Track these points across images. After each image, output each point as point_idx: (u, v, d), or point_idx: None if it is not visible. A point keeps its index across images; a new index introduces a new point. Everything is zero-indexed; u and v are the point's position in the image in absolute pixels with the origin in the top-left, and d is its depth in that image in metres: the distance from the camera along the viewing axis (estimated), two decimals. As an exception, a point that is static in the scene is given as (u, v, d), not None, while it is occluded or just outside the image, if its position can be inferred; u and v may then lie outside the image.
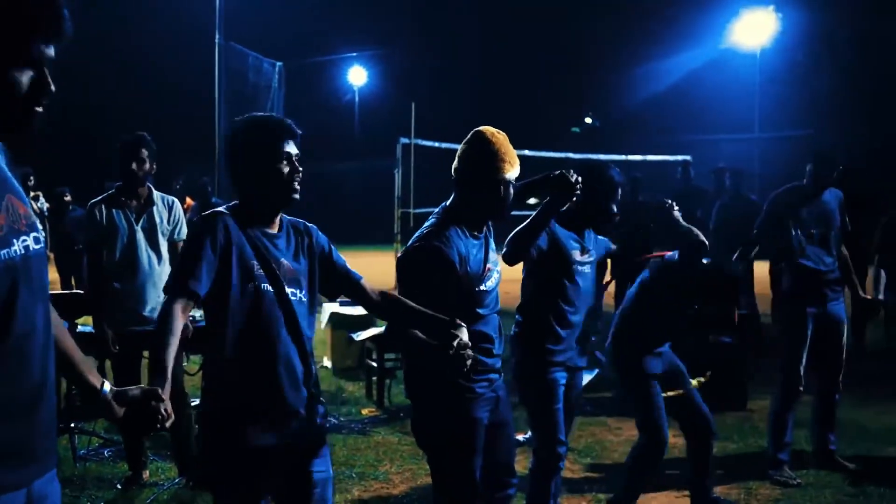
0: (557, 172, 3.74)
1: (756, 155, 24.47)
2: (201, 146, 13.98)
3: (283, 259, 2.91)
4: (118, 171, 5.26)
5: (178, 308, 2.70)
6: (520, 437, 5.89)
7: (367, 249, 23.29)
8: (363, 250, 22.02)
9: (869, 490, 5.20)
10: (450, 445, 3.45)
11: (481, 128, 3.50)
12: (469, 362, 2.95)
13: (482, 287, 3.47)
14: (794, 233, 5.43)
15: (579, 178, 3.71)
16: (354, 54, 38.08)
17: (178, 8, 21.84)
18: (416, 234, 3.52)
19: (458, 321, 3.05)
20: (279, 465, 2.91)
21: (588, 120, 35.44)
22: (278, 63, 10.92)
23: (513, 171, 3.47)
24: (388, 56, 39.72)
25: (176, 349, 2.67)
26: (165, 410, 2.43)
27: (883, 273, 6.08)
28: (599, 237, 4.43)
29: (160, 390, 2.46)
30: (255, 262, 2.83)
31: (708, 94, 31.22)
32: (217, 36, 9.60)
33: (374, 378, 7.55)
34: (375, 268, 17.07)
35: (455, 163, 3.53)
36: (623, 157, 18.49)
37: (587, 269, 4.25)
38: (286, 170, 2.89)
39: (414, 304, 3.12)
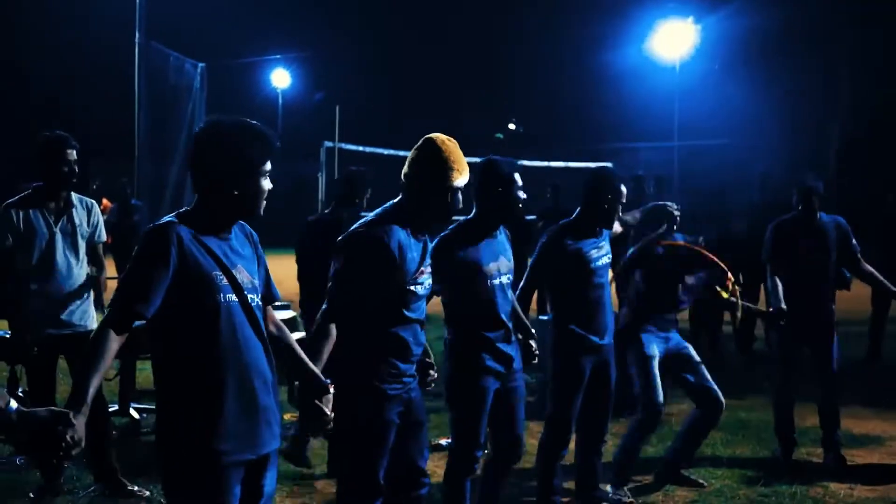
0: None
1: (675, 162, 24.94)
2: (119, 146, 13.69)
3: (240, 264, 2.79)
4: (38, 170, 4.99)
5: (114, 332, 2.55)
6: (442, 441, 5.90)
7: (290, 253, 22.91)
8: (286, 254, 21.63)
9: (781, 489, 5.38)
10: (356, 442, 3.48)
11: (432, 135, 3.54)
12: (325, 428, 3.12)
13: (413, 287, 3.49)
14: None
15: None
16: (278, 56, 37.70)
17: (98, 5, 21.38)
18: (358, 223, 3.53)
19: (326, 396, 3.06)
20: (247, 478, 2.81)
21: (511, 126, 35.69)
22: (200, 64, 10.77)
23: (461, 179, 3.51)
24: (311, 59, 39.47)
25: (103, 374, 2.53)
26: (73, 438, 2.31)
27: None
28: (507, 246, 4.32)
29: (72, 415, 2.33)
30: (218, 272, 2.69)
31: (629, 103, 31.72)
32: (137, 35, 9.42)
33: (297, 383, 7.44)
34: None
35: (405, 168, 3.55)
36: (545, 164, 18.65)
37: (504, 279, 4.21)
38: (265, 186, 2.79)
39: (301, 354, 3.11)
